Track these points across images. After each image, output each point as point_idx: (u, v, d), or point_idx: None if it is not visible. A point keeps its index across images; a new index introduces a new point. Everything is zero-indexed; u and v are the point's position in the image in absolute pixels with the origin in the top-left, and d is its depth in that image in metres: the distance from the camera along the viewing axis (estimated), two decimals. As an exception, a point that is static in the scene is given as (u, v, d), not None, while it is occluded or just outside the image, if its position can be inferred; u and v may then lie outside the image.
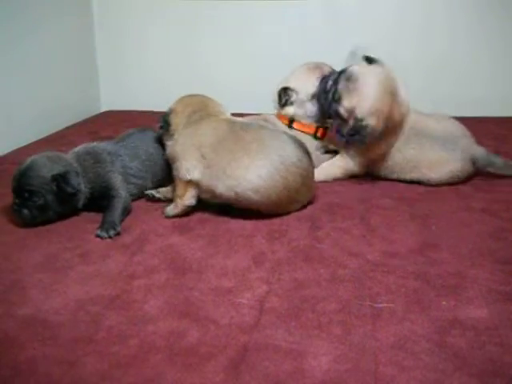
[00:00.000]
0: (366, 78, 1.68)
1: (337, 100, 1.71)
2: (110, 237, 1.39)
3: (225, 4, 2.76)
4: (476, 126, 2.14)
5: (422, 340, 0.97)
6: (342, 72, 1.73)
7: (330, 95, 1.74)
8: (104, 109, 2.94)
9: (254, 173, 1.44)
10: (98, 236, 1.40)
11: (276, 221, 1.49)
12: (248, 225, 1.46)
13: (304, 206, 1.57)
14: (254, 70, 2.80)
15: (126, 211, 1.53)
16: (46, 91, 2.49)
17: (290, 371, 0.89)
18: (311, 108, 1.87)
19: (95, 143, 1.66)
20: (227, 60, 2.84)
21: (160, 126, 1.63)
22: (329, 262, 1.26)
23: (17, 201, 1.45)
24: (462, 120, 1.82)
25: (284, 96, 1.88)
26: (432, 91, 2.59)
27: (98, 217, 1.49)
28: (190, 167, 1.49)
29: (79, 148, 1.62)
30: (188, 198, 1.50)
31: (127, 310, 1.08)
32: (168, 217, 1.52)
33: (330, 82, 1.76)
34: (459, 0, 2.59)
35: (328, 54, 2.68)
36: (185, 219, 1.51)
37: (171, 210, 1.53)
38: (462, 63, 2.61)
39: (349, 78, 1.69)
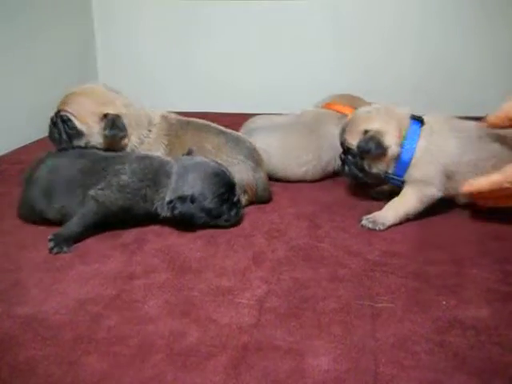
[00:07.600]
0: None
1: None
2: None
3: (224, 4, 2.75)
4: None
5: (422, 340, 0.97)
6: None
7: None
8: (104, 108, 2.94)
9: None
10: None
11: (275, 220, 1.49)
12: (247, 224, 1.46)
13: (303, 206, 1.57)
14: (253, 69, 2.81)
15: None
16: (46, 91, 2.48)
17: (290, 371, 0.89)
18: None
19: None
20: (226, 60, 2.84)
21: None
22: (329, 261, 1.26)
23: (235, 199, 1.43)
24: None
25: None
26: (444, 94, 2.59)
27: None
28: None
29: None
30: None
31: (127, 310, 1.08)
32: None
33: None
34: (469, 3, 2.58)
35: (329, 57, 2.71)
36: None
37: None
38: (474, 66, 2.61)
39: None
